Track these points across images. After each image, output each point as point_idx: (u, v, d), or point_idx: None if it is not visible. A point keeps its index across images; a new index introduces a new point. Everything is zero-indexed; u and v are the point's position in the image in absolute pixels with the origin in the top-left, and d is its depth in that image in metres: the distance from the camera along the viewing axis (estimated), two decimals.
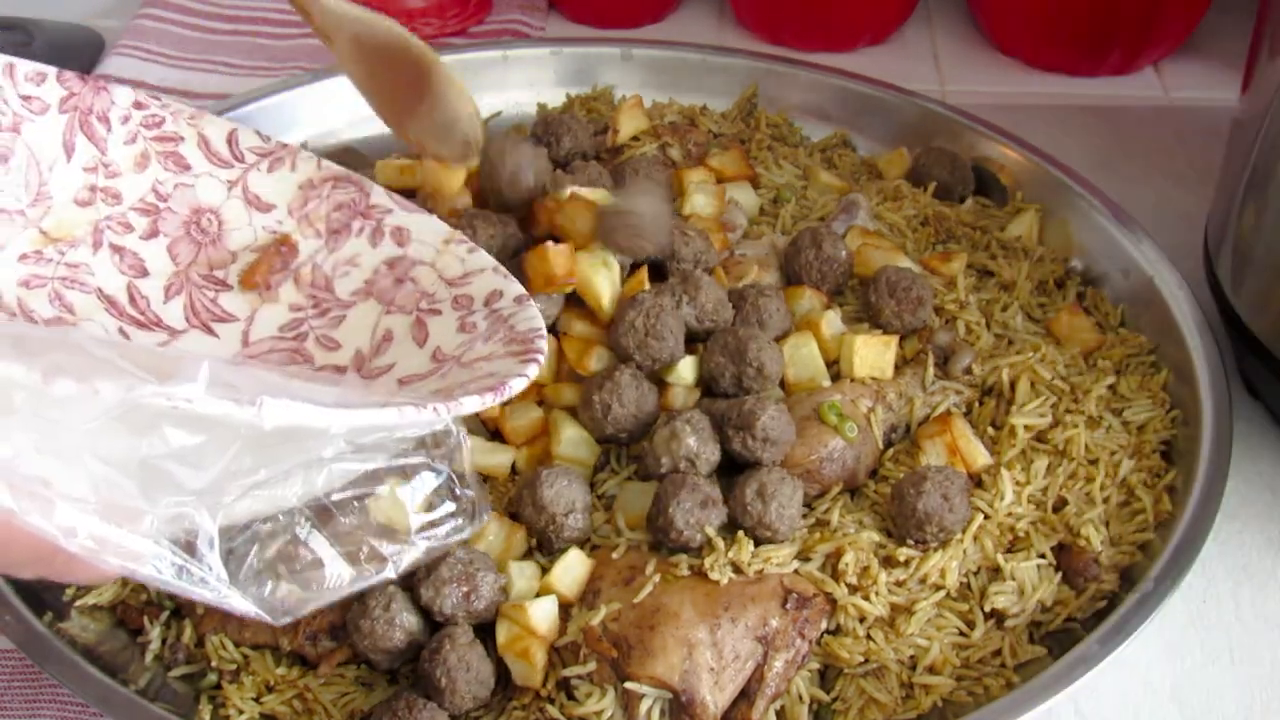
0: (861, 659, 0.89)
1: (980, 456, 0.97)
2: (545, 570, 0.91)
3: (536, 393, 1.00)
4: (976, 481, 0.97)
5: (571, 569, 0.90)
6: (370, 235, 0.96)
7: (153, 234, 0.97)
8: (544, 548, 0.93)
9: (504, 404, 0.99)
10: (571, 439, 0.97)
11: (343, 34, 1.02)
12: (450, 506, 0.81)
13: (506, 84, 1.38)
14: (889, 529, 0.94)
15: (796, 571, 0.90)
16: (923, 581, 0.91)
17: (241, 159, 0.99)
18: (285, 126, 1.31)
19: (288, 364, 0.92)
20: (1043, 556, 0.94)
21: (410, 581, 0.88)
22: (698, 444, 0.92)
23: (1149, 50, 1.51)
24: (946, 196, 1.23)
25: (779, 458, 0.93)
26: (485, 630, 0.88)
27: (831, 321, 1.03)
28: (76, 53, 1.51)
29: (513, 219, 1.03)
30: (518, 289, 0.89)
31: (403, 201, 0.98)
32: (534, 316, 0.86)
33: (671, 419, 0.93)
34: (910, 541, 0.92)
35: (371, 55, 1.03)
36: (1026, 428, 0.99)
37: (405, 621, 0.87)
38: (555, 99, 1.37)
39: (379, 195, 0.98)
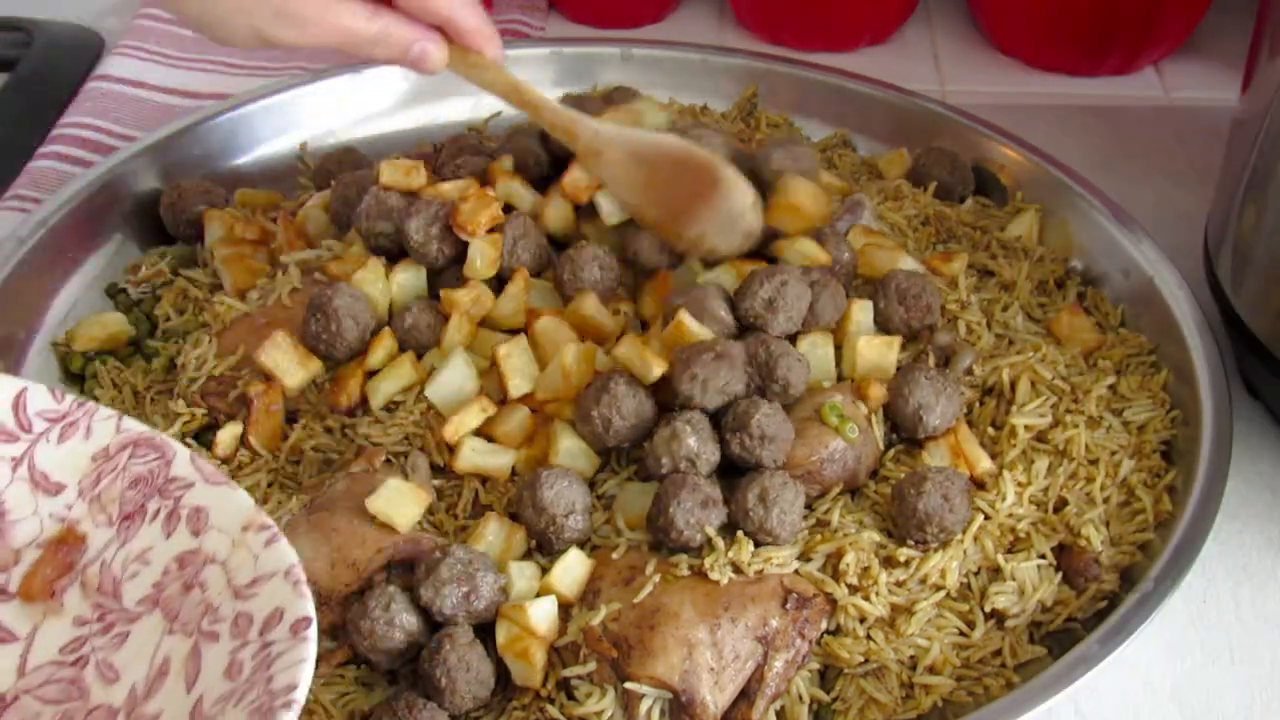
0: (861, 659, 0.89)
1: (983, 459, 0.97)
2: (545, 570, 0.90)
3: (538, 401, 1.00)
4: (979, 484, 0.97)
5: (571, 569, 0.90)
6: (165, 520, 0.81)
7: None
8: (544, 548, 0.93)
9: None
10: (570, 450, 0.96)
11: (615, 150, 1.03)
12: None
13: None
14: (889, 529, 0.94)
15: (797, 572, 0.90)
16: (923, 582, 0.91)
17: (29, 428, 0.84)
18: (285, 126, 1.31)
19: (63, 700, 0.79)
20: (1043, 557, 0.94)
21: (410, 581, 0.88)
22: (698, 444, 0.92)
23: (1149, 50, 1.51)
24: (946, 196, 1.23)
25: (779, 456, 0.93)
26: (485, 630, 0.88)
27: (864, 309, 1.03)
28: (76, 53, 1.50)
29: (612, 254, 1.04)
30: (302, 609, 0.74)
31: (209, 471, 0.82)
32: (301, 659, 0.72)
33: (672, 419, 0.93)
34: (910, 542, 0.92)
35: (648, 166, 1.02)
36: (1027, 428, 0.99)
37: (405, 622, 0.87)
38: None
39: (181, 464, 0.82)
